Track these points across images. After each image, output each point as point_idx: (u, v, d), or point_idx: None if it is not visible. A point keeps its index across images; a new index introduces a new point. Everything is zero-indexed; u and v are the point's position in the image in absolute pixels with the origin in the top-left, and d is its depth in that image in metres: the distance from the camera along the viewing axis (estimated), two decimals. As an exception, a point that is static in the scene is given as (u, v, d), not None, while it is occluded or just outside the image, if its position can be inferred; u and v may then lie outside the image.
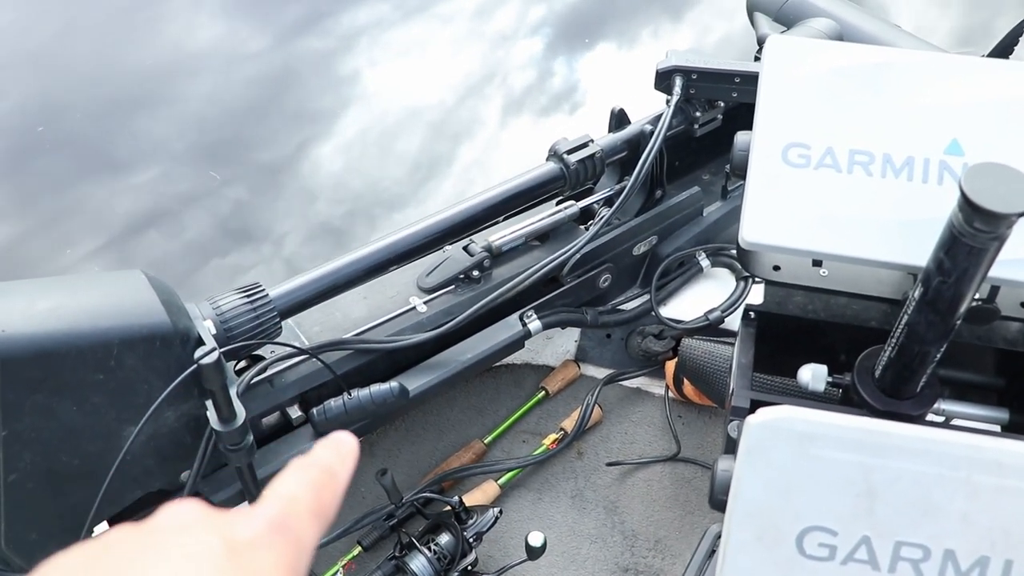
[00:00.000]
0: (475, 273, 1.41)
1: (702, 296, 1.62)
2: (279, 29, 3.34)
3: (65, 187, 2.72)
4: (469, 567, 1.27)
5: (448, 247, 1.42)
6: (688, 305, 1.61)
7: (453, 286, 1.41)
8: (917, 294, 0.74)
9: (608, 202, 1.51)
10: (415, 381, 1.30)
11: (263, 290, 1.17)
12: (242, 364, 1.26)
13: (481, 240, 1.44)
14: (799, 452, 0.68)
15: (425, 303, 1.38)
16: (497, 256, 1.44)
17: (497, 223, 1.48)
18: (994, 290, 0.84)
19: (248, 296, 1.16)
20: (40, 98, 2.99)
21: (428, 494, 1.37)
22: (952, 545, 0.68)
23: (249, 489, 1.15)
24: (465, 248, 1.43)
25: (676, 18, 3.41)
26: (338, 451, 0.44)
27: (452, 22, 3.39)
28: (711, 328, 1.55)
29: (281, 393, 1.24)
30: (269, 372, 1.23)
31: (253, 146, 2.93)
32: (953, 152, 0.81)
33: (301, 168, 2.86)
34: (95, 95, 3.01)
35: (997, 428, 0.93)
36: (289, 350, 1.21)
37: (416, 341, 1.30)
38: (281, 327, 1.18)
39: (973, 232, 0.64)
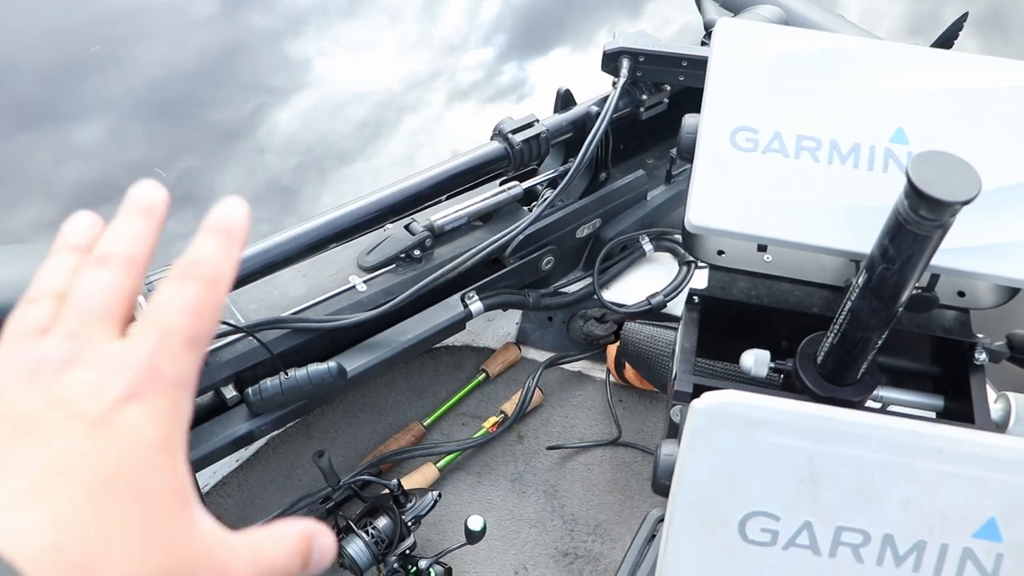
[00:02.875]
0: (416, 252, 1.39)
1: (645, 280, 1.62)
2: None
3: (9, 151, 2.66)
4: (407, 551, 1.25)
5: (389, 225, 1.40)
6: (630, 289, 1.61)
7: (394, 265, 1.38)
8: (861, 280, 0.74)
9: (552, 183, 1.49)
10: (354, 361, 1.28)
11: None
12: None
13: (423, 219, 1.42)
14: (743, 437, 0.68)
15: (365, 282, 1.35)
16: (439, 236, 1.42)
17: (440, 202, 1.47)
18: (934, 279, 0.85)
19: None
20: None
21: (366, 477, 1.35)
22: (891, 530, 0.68)
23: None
24: (407, 227, 1.41)
25: (634, 14, 3.44)
26: (224, 241, 0.37)
27: (401, 19, 3.38)
28: (653, 312, 1.55)
29: (215, 372, 1.21)
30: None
31: (206, 107, 2.91)
32: (898, 140, 0.81)
33: (256, 132, 2.87)
34: (43, 57, 2.95)
35: (932, 415, 0.94)
36: (224, 328, 1.18)
37: (355, 320, 1.28)
38: None
39: (918, 220, 0.64)
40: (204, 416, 1.23)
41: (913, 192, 0.62)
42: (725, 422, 0.68)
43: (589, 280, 1.56)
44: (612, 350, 1.56)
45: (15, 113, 2.77)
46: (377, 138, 2.87)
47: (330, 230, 1.29)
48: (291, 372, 1.20)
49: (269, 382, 1.19)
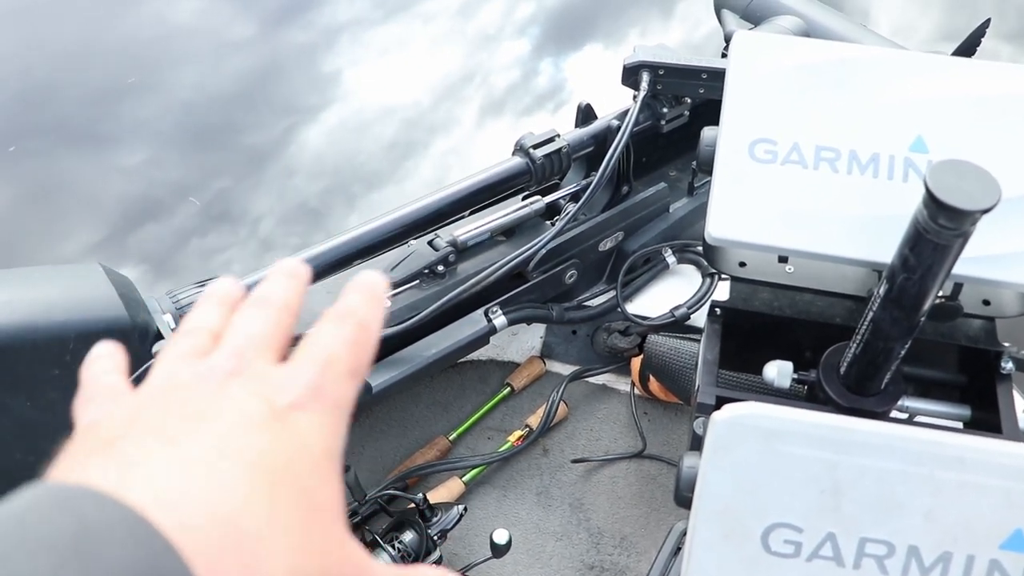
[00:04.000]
0: (440, 268, 1.40)
1: (668, 292, 1.62)
2: (263, 15, 3.35)
3: (53, 173, 2.71)
4: (433, 565, 1.26)
5: (413, 242, 1.41)
6: (654, 301, 1.61)
7: (417, 281, 1.39)
8: (882, 291, 0.74)
9: (574, 197, 1.50)
10: (379, 377, 1.29)
11: None
12: None
13: (446, 235, 1.42)
14: (765, 449, 0.68)
15: (389, 298, 1.36)
16: (462, 251, 1.43)
17: (463, 218, 1.48)
18: (957, 287, 0.85)
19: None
20: (25, 81, 2.97)
21: (392, 491, 1.36)
22: (916, 541, 0.68)
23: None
24: (430, 243, 1.42)
25: (667, 14, 3.43)
26: (370, 298, 0.41)
27: (434, 20, 3.41)
28: (677, 324, 1.54)
29: None
30: None
31: (241, 132, 2.96)
32: (918, 149, 0.81)
33: (286, 151, 2.91)
34: (82, 79, 3.01)
35: (959, 425, 0.93)
36: None
37: (380, 336, 1.28)
38: None
39: (938, 229, 0.64)
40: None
41: (932, 201, 0.62)
42: (746, 434, 0.68)
43: (612, 293, 1.57)
44: (636, 363, 1.56)
45: (56, 133, 2.82)
46: (407, 159, 2.89)
47: (354, 247, 1.30)
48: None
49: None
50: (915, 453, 0.67)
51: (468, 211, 1.48)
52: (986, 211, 0.62)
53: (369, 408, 1.53)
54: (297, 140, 2.93)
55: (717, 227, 0.82)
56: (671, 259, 1.64)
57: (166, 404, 0.33)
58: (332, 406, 0.36)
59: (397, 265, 1.40)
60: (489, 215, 1.49)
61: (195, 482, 0.29)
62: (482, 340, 1.40)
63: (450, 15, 3.39)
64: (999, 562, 0.68)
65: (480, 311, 1.41)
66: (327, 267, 1.27)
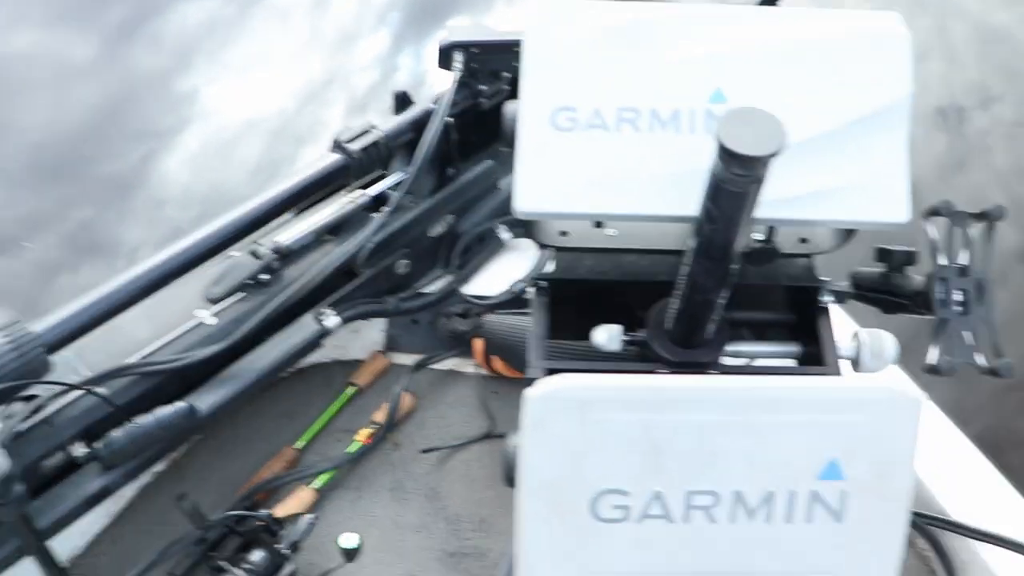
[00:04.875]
0: (264, 276, 1.34)
1: (507, 269, 1.62)
2: (105, 32, 3.15)
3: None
4: (286, 584, 1.21)
5: (234, 252, 1.34)
6: (494, 280, 1.60)
7: (243, 293, 1.33)
8: (692, 244, 0.74)
9: (399, 187, 1.47)
10: (207, 398, 1.23)
11: (21, 325, 1.07)
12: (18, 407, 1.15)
13: (268, 242, 1.37)
14: (580, 419, 0.67)
15: (214, 314, 1.30)
16: (287, 256, 1.38)
17: (287, 223, 1.43)
18: (771, 230, 0.86)
19: (5, 334, 1.05)
20: None
21: (239, 512, 1.30)
22: (739, 486, 0.69)
23: (28, 542, 1.06)
24: (252, 252, 1.36)
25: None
26: None
27: (289, 17, 3.27)
28: (518, 300, 1.54)
29: (61, 432, 1.14)
30: (47, 411, 1.13)
31: (95, 163, 2.80)
32: (717, 100, 0.81)
33: (149, 181, 2.78)
34: None
35: (794, 362, 0.96)
36: (60, 387, 1.12)
37: (204, 356, 1.22)
38: (48, 363, 1.09)
39: (732, 177, 0.64)
40: (54, 478, 1.16)
41: (723, 150, 0.62)
42: (560, 407, 0.67)
43: (450, 277, 1.55)
44: (479, 344, 1.54)
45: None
46: (275, 179, 2.78)
47: (169, 266, 1.24)
48: (137, 419, 1.14)
49: (116, 433, 1.13)
50: (727, 402, 0.68)
51: (292, 214, 1.44)
52: (773, 155, 0.62)
53: (202, 430, 1.46)
54: (159, 168, 2.78)
55: (524, 201, 0.81)
56: (505, 235, 1.63)
57: None
58: None
59: (219, 279, 1.33)
60: (312, 215, 1.44)
61: None
62: (313, 344, 1.35)
63: (306, 9, 3.27)
64: (818, 493, 0.70)
65: (309, 314, 1.36)
66: (140, 291, 1.20)
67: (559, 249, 0.97)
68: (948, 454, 1.34)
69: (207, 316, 1.29)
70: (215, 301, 1.31)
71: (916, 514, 1.26)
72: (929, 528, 1.26)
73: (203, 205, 2.72)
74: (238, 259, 1.34)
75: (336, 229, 1.46)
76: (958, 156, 3.02)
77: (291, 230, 1.40)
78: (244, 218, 1.31)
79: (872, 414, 0.69)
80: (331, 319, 1.37)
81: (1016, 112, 3.18)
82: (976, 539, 1.21)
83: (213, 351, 1.23)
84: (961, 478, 1.31)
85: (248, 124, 2.93)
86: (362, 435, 1.48)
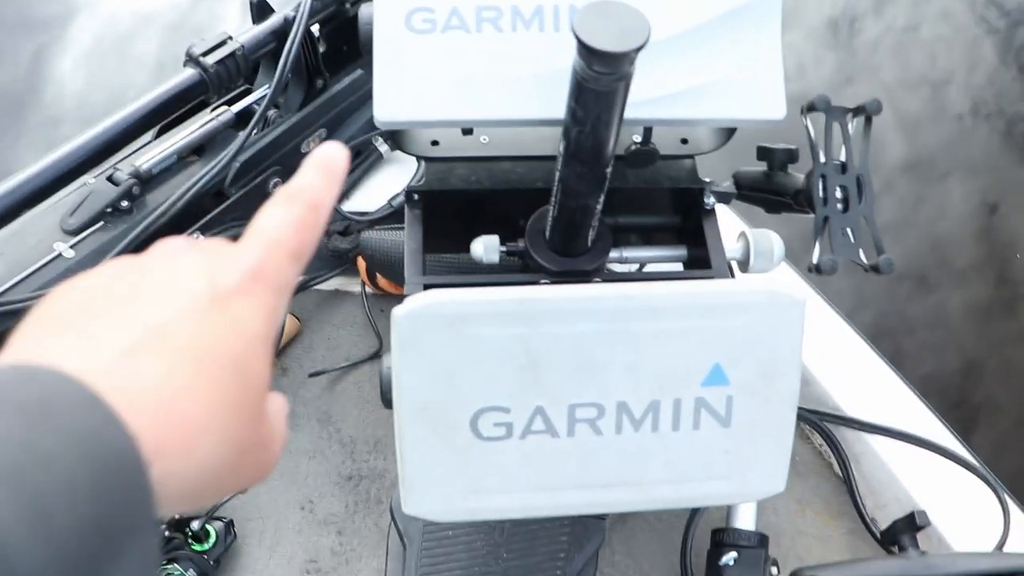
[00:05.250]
0: (124, 204, 1.25)
1: (387, 183, 1.57)
2: None
3: None
4: (176, 516, 1.18)
5: (90, 179, 1.25)
6: (373, 194, 1.54)
7: (102, 222, 1.24)
8: (562, 148, 0.71)
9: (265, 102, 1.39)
10: None
11: None
12: None
13: (127, 166, 1.28)
14: (454, 336, 0.64)
15: (72, 247, 1.21)
16: (148, 180, 1.29)
17: (148, 145, 1.34)
18: (648, 131, 0.84)
19: None
20: None
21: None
22: (623, 397, 0.68)
23: None
24: (109, 178, 1.26)
25: None
26: (326, 175, 0.44)
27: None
28: (398, 215, 1.49)
29: None
30: None
31: None
32: None
33: (42, 92, 2.59)
34: None
35: (680, 267, 0.95)
36: None
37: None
38: None
39: (595, 75, 0.61)
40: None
41: (583, 48, 0.59)
42: (431, 324, 0.65)
43: None
44: (363, 261, 1.50)
45: None
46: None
47: (15, 197, 1.14)
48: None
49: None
50: (606, 311, 0.66)
51: (151, 137, 1.35)
52: (638, 50, 0.59)
53: None
54: (52, 74, 2.54)
55: (384, 110, 0.77)
56: (383, 148, 1.57)
57: (118, 286, 0.37)
58: (271, 289, 0.39)
59: (76, 209, 1.24)
60: (173, 136, 1.36)
61: (141, 367, 0.33)
62: None
63: None
64: (704, 399, 0.69)
65: None
66: None
67: (431, 159, 0.94)
68: (841, 351, 1.37)
69: (65, 248, 1.20)
70: (73, 233, 1.22)
71: (811, 411, 1.31)
72: (823, 424, 1.30)
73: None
74: (94, 186, 1.25)
75: (200, 150, 1.37)
76: (847, 72, 3.07)
77: (150, 152, 1.31)
78: (97, 141, 1.21)
79: (754, 317, 0.68)
80: (202, 245, 1.30)
81: (909, 16, 3.23)
82: (869, 432, 1.26)
83: None
84: (854, 374, 1.35)
85: (142, 19, 2.74)
86: (246, 363, 1.43)
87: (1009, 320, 2.64)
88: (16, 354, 0.33)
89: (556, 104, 0.72)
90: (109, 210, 1.25)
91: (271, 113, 1.43)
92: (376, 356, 1.47)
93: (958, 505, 1.22)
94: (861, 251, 0.82)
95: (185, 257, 0.39)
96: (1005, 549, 1.14)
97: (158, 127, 1.38)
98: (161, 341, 0.34)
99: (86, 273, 0.37)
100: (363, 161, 1.56)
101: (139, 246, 1.23)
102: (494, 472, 0.68)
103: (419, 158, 0.94)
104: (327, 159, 0.44)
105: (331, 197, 0.44)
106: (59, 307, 0.36)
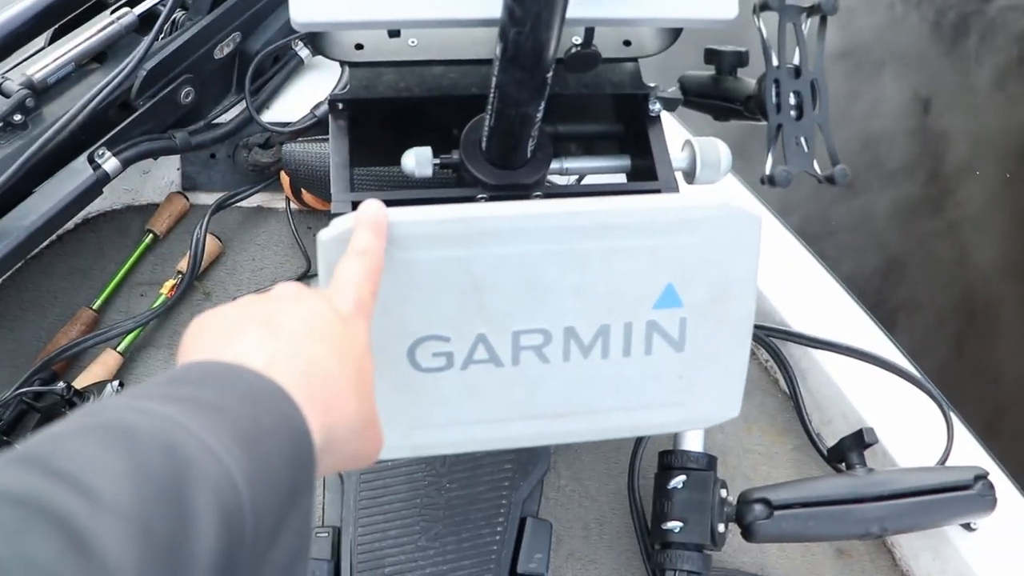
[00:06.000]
0: (17, 117, 1.15)
1: (309, 90, 1.47)
2: None
3: None
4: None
5: None
6: (294, 103, 1.45)
7: None
8: (499, 51, 0.65)
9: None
10: None
11: None
12: None
13: (17, 75, 1.18)
14: (387, 260, 0.58)
15: None
16: (43, 91, 1.19)
17: (41, 52, 1.23)
18: (589, 32, 0.77)
19: None
20: None
21: (35, 388, 1.17)
22: (571, 322, 0.63)
23: None
24: None
25: None
26: (376, 234, 0.58)
27: None
28: (322, 125, 1.40)
29: None
30: None
31: None
32: None
33: None
34: None
35: (623, 178, 0.90)
36: None
37: None
38: None
39: None
40: None
41: None
42: None
43: (243, 104, 1.39)
44: (287, 176, 1.41)
45: None
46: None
47: None
48: None
49: None
50: (550, 230, 0.61)
51: (44, 43, 1.24)
52: None
53: None
54: None
55: (301, 10, 0.70)
56: (304, 52, 1.47)
57: (258, 311, 0.49)
58: (367, 316, 0.53)
59: None
60: (69, 41, 1.25)
61: (300, 356, 0.46)
62: (93, 191, 1.19)
63: None
64: (656, 322, 0.65)
65: (82, 157, 1.19)
66: None
67: (356, 65, 0.86)
68: (788, 265, 1.35)
69: None
70: None
71: (758, 326, 1.29)
72: (770, 340, 1.29)
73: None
74: None
75: (102, 56, 1.27)
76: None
77: (44, 59, 1.20)
78: None
79: (708, 234, 0.63)
80: (109, 161, 1.21)
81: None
82: (816, 348, 1.25)
83: None
84: (801, 289, 1.33)
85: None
86: (167, 287, 1.35)
87: (935, 217, 2.66)
88: (203, 355, 0.45)
89: (492, 2, 0.66)
90: (0, 125, 1.15)
91: (179, 15, 1.32)
92: (304, 278, 1.39)
93: (903, 420, 1.22)
94: (815, 161, 0.77)
95: (304, 291, 0.52)
96: (948, 463, 1.15)
97: (51, 31, 1.27)
98: (310, 339, 0.47)
99: (218, 307, 0.49)
100: (282, 67, 1.46)
101: (41, 166, 1.13)
102: (436, 405, 0.63)
103: (342, 63, 0.87)
104: (373, 219, 0.59)
105: (383, 248, 0.57)
106: (214, 326, 0.48)
